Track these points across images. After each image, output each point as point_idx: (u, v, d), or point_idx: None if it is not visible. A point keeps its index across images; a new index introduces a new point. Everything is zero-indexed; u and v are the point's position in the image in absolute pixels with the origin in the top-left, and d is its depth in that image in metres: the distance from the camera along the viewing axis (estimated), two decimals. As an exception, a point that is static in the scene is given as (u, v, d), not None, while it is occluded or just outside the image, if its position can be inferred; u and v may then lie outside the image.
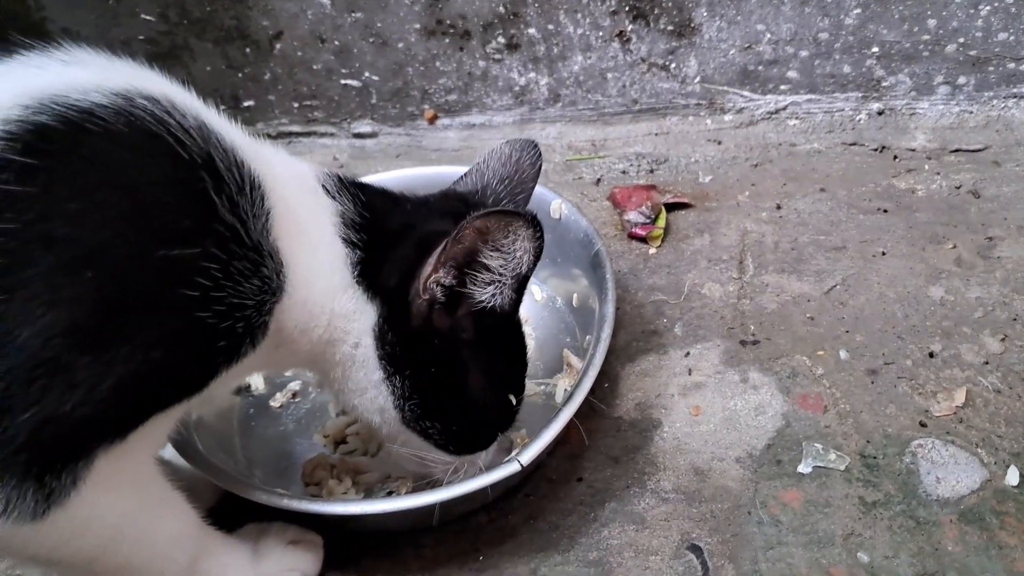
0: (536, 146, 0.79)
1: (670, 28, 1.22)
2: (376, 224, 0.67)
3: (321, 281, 0.63)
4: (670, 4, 1.20)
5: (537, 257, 0.63)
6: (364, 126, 1.39)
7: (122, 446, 0.54)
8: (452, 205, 0.73)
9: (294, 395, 0.96)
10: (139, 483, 0.60)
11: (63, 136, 0.49)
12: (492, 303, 0.65)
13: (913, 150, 1.24)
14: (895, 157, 1.24)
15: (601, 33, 1.23)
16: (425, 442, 0.71)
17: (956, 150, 1.23)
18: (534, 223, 0.61)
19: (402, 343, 0.66)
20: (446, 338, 0.67)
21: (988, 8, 1.15)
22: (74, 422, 0.49)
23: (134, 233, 0.51)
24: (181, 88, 0.59)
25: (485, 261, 0.63)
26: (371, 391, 0.68)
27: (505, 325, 0.70)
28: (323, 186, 0.67)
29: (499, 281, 0.64)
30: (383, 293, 0.66)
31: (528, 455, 0.71)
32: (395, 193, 0.74)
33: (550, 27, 1.23)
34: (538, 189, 1.01)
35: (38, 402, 0.48)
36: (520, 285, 0.65)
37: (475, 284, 0.64)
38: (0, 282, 0.46)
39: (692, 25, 1.21)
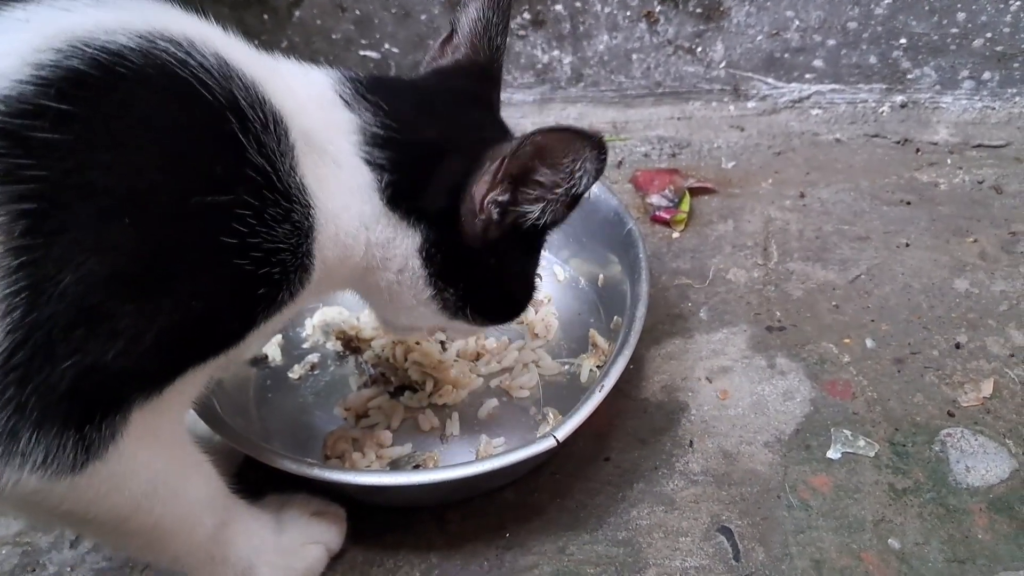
0: None
1: (699, 11, 1.20)
2: (404, 138, 0.62)
3: (349, 212, 0.61)
4: (700, -14, 1.18)
5: (597, 178, 0.60)
6: (381, 100, 1.36)
7: (157, 401, 0.53)
8: (470, 88, 0.72)
9: (312, 367, 0.94)
10: (171, 442, 0.59)
11: (96, 81, 0.48)
12: (543, 219, 0.64)
13: (935, 144, 1.24)
14: (917, 150, 1.23)
15: (629, 13, 1.21)
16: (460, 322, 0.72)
17: (978, 145, 1.22)
18: (600, 146, 0.58)
19: (454, 261, 0.66)
20: (496, 248, 0.66)
21: (1018, 4, 1.14)
22: (114, 372, 0.48)
23: (168, 180, 0.50)
24: (198, 20, 0.56)
25: (540, 179, 0.61)
26: (420, 308, 0.69)
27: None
28: (340, 97, 0.62)
29: (553, 199, 0.62)
30: (429, 215, 0.64)
31: (564, 431, 0.70)
32: (418, 91, 0.70)
33: (577, 4, 1.21)
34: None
35: (80, 350, 0.46)
36: (574, 203, 0.63)
37: (529, 201, 0.62)
38: (40, 227, 0.45)
39: (721, 9, 1.19)
